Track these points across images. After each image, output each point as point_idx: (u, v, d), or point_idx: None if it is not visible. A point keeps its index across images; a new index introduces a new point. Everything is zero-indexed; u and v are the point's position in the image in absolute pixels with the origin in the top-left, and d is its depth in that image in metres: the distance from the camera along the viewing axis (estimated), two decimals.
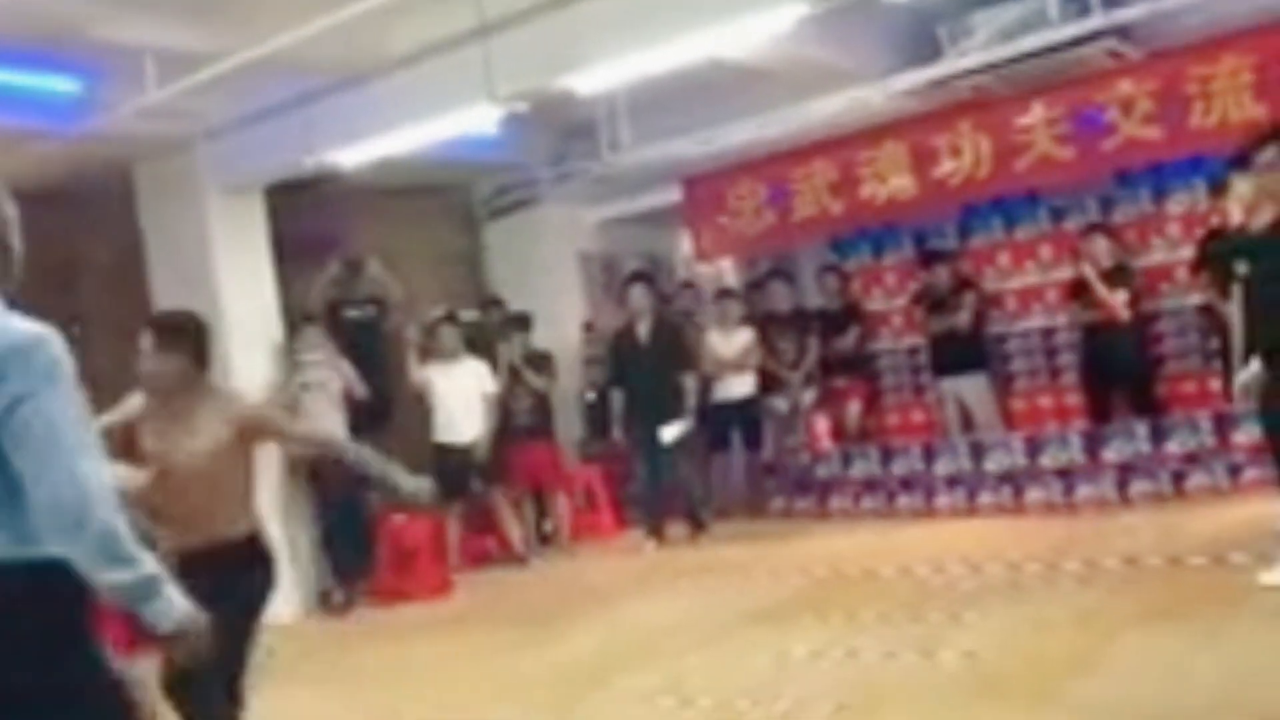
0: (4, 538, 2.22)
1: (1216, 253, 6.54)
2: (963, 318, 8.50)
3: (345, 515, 7.59)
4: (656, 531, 8.17)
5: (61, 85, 6.10)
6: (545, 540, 8.76)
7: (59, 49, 5.65)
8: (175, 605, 2.30)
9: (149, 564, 2.27)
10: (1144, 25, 6.92)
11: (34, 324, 2.31)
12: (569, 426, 9.31)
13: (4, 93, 5.99)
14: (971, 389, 8.63)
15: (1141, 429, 7.31)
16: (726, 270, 10.29)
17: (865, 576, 6.33)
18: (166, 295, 7.71)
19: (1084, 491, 7.37)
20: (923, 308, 8.84)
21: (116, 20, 5.40)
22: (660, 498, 8.30)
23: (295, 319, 7.78)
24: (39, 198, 7.65)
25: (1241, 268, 4.86)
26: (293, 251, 7.96)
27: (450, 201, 9.88)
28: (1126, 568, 5.64)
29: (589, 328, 9.55)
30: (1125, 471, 7.26)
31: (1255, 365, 4.67)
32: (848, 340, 9.21)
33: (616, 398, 8.34)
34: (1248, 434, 6.73)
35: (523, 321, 8.88)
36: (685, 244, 9.90)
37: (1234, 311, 5.30)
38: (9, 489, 2.23)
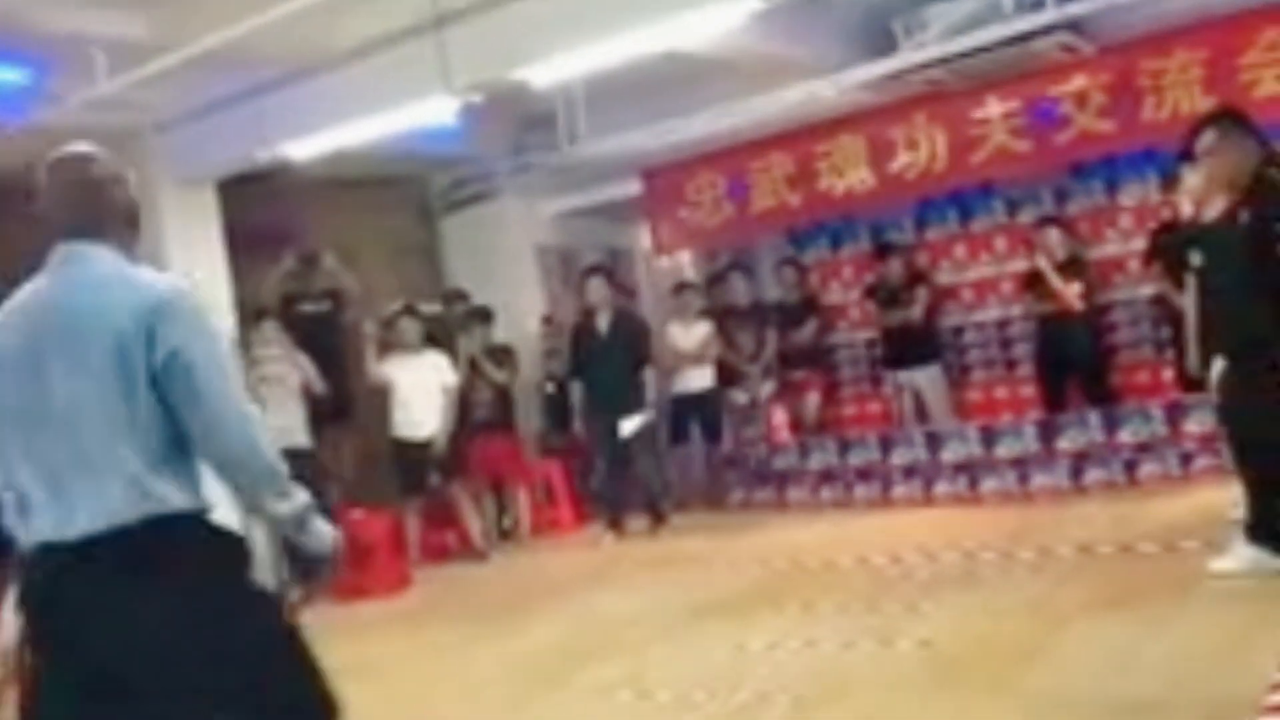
0: (178, 488, 2.34)
1: (1170, 244, 6.63)
2: (915, 311, 8.57)
3: None
4: (616, 524, 8.17)
5: (9, 75, 6.00)
6: (505, 535, 8.73)
7: (6, 38, 5.56)
8: (326, 531, 2.53)
9: (303, 495, 2.47)
10: (1096, 19, 7.00)
11: (167, 275, 2.46)
12: (529, 420, 9.29)
13: None
14: (925, 380, 8.71)
15: (1095, 418, 7.39)
16: (685, 263, 10.30)
17: (823, 567, 6.36)
18: None
19: (1039, 480, 7.44)
20: (875, 301, 8.89)
21: (66, 10, 5.33)
22: (620, 490, 8.29)
23: (249, 313, 7.69)
24: None
25: (1195, 259, 4.92)
26: (246, 245, 7.87)
27: (407, 194, 9.80)
28: (1080, 555, 5.70)
29: (548, 321, 9.52)
30: (1079, 460, 7.34)
31: (1220, 364, 4.74)
32: (805, 333, 9.24)
33: (576, 390, 8.33)
34: (1199, 423, 6.83)
35: (484, 315, 8.83)
36: (644, 237, 9.90)
37: (1188, 302, 5.39)
38: (177, 441, 2.35)
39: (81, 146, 2.54)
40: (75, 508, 2.27)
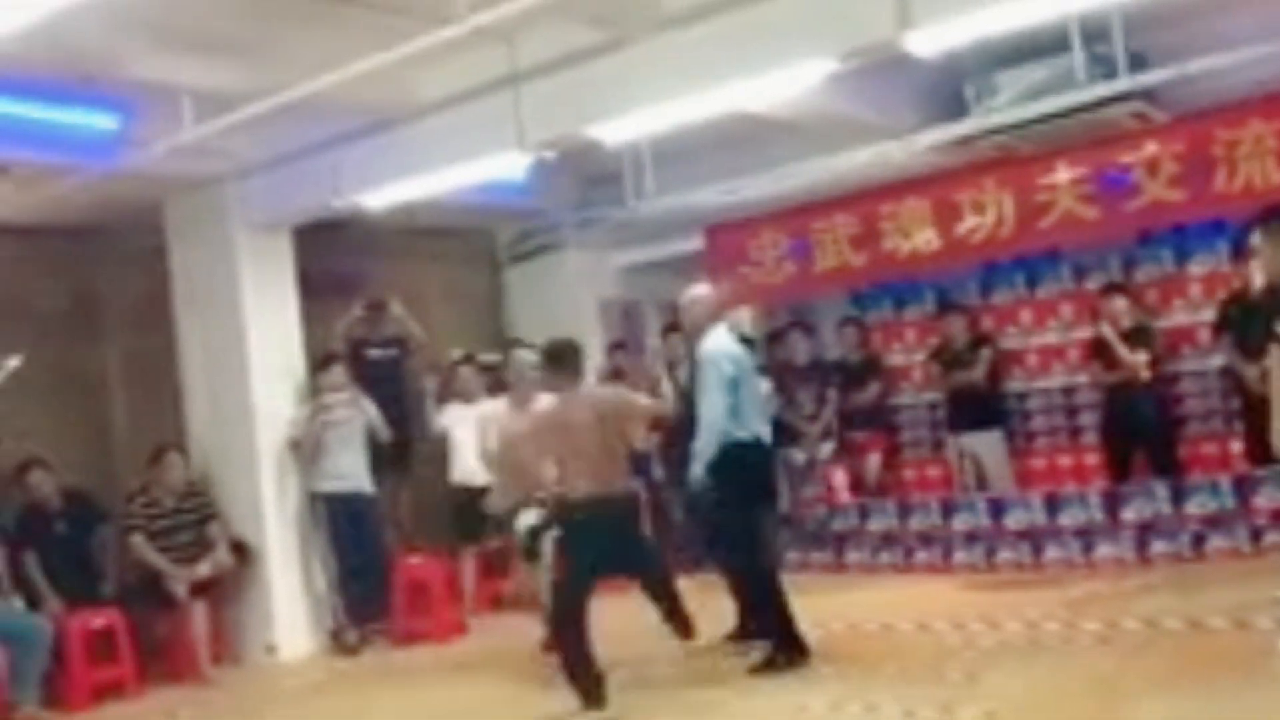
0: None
1: (1238, 315, 6.57)
2: (978, 372, 8.49)
3: (361, 554, 7.58)
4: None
5: (99, 121, 6.18)
6: None
7: (96, 86, 5.73)
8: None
9: None
10: (1170, 88, 6.95)
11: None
12: None
13: (41, 128, 6.07)
14: (985, 445, 8.60)
15: (1161, 490, 7.26)
16: (744, 320, 10.29)
17: (883, 631, 6.29)
18: (192, 331, 7.77)
19: (1103, 551, 7.32)
20: (940, 363, 8.83)
21: (158, 58, 5.49)
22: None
23: (318, 358, 7.81)
24: (66, 233, 7.73)
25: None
26: (318, 290, 8.02)
27: (473, 244, 9.95)
28: (1146, 629, 5.58)
29: (617, 374, 9.50)
30: (1144, 532, 7.21)
31: None
32: (868, 394, 9.18)
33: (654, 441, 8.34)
34: (1269, 498, 6.70)
35: None
36: None
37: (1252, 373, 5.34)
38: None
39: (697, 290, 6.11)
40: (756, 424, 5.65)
